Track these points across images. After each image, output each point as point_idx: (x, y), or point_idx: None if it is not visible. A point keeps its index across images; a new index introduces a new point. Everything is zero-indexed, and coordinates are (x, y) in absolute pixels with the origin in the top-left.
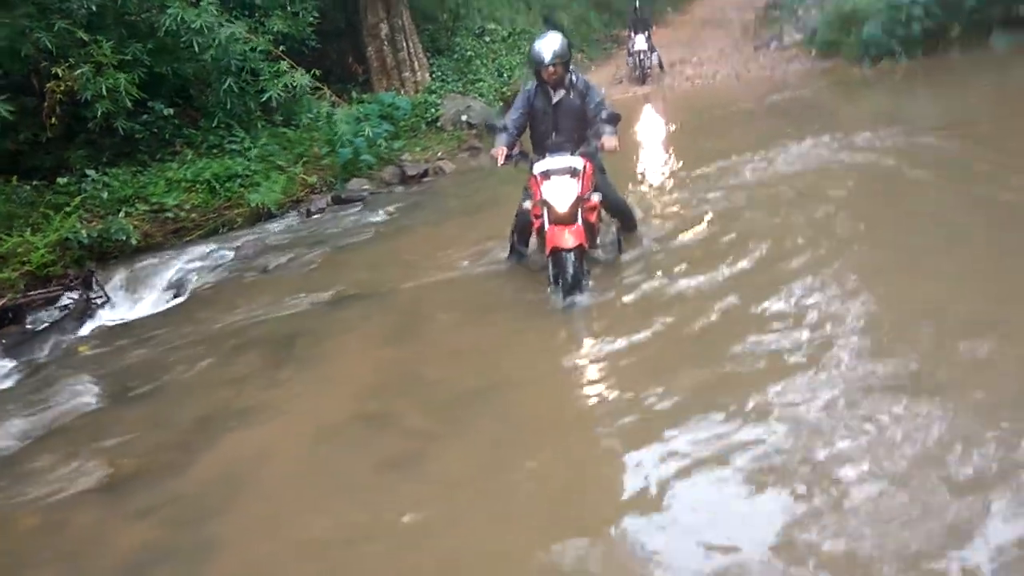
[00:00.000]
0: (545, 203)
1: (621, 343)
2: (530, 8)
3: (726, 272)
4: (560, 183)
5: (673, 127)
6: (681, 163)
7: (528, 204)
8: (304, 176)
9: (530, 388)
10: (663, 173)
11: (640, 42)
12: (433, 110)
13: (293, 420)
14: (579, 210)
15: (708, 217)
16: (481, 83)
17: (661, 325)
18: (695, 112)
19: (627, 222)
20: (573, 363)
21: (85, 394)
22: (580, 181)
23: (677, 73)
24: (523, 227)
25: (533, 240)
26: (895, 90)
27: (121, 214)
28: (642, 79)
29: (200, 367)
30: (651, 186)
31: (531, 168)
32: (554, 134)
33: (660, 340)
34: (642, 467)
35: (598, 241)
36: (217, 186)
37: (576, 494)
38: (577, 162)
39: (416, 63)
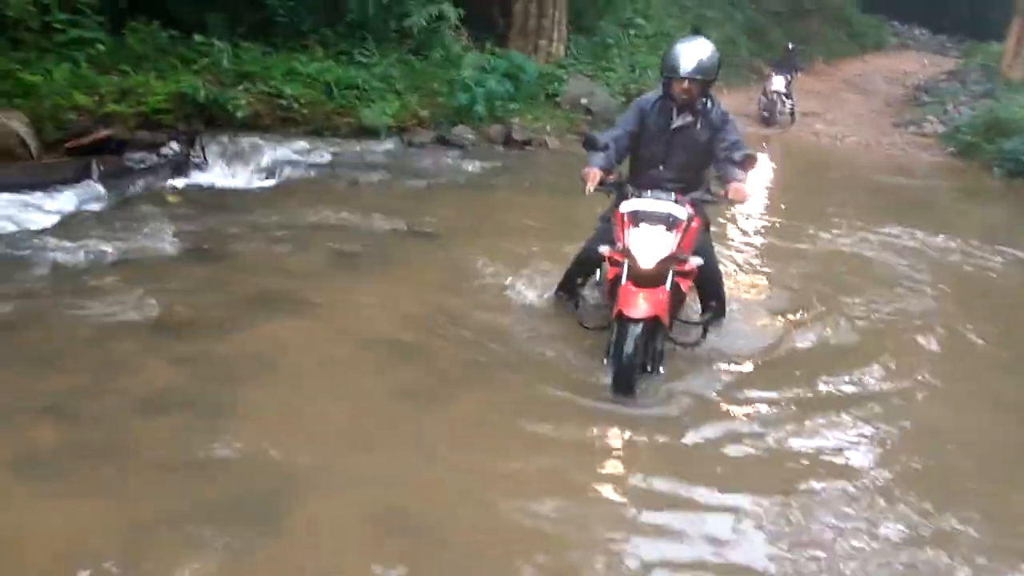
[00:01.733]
0: (628, 253)
1: (663, 489)
2: (683, 13)
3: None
4: (651, 233)
5: (783, 180)
6: (783, 224)
7: (604, 249)
8: (417, 108)
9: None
10: (760, 235)
11: (779, 84)
12: (557, 84)
13: (335, 324)
14: (669, 272)
15: (813, 309)
16: (612, 73)
17: (737, 480)
18: (810, 169)
19: (717, 303)
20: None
21: (162, 239)
22: (679, 236)
23: (806, 125)
24: (584, 268)
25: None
26: (1018, 211)
27: (240, 87)
28: (769, 122)
29: (270, 249)
30: (743, 251)
31: (618, 202)
32: (662, 166)
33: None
34: None
35: (680, 317)
36: (335, 91)
37: None
38: (680, 211)
39: (556, 34)
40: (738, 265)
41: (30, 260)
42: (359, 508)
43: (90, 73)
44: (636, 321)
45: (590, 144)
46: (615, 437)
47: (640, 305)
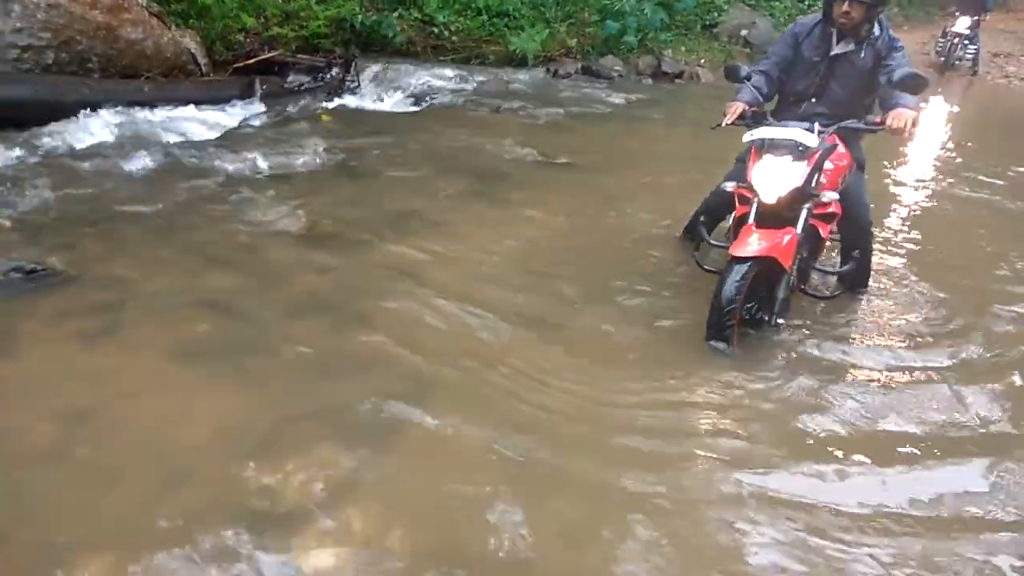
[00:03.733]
0: (751, 187)
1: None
2: None
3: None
4: (777, 164)
5: (961, 130)
6: (952, 181)
7: (730, 185)
8: (566, 37)
9: None
10: (926, 191)
11: (962, 24)
12: (716, 14)
13: (469, 246)
14: (803, 211)
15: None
16: (777, 2)
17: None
18: (997, 117)
19: (861, 256)
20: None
21: (314, 156)
22: (809, 167)
23: (996, 66)
24: (715, 208)
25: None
26: None
27: (395, 14)
28: (945, 67)
29: (413, 170)
30: (904, 215)
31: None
32: (815, 99)
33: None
34: None
35: (819, 264)
36: (486, 18)
37: None
38: (809, 138)
39: None
40: (893, 227)
41: (196, 168)
42: (479, 425)
43: None
44: (742, 260)
45: (732, 75)
46: (685, 390)
47: (750, 244)
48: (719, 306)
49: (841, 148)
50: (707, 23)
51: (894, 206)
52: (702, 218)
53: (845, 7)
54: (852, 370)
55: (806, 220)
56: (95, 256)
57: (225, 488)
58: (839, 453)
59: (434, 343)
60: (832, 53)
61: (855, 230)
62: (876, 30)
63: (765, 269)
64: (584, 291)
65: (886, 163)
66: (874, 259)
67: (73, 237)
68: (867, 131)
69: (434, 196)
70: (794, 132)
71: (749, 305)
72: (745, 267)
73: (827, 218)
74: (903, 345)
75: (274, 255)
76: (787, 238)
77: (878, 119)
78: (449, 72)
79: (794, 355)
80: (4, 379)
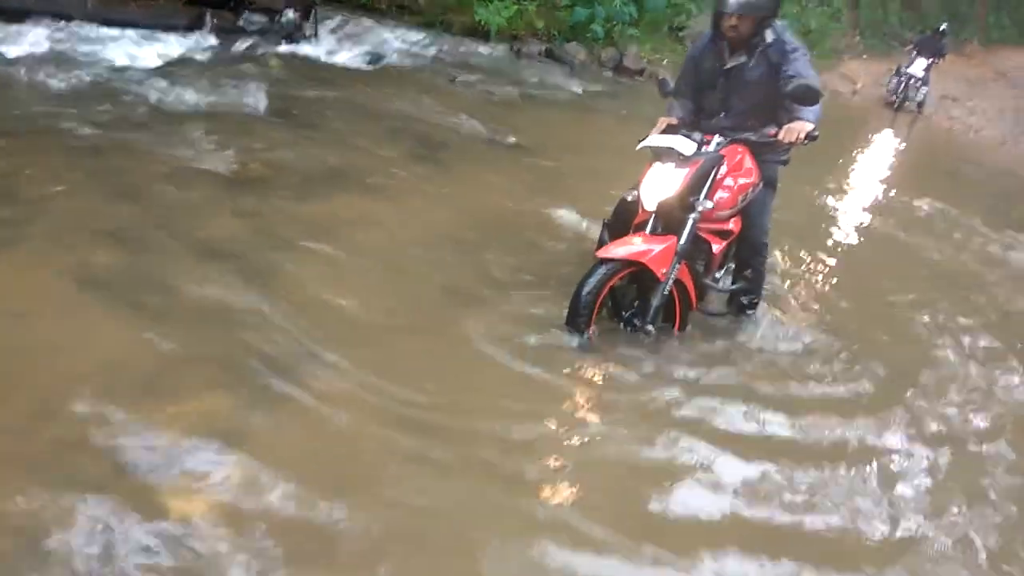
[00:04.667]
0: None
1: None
2: None
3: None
4: (661, 172)
5: (899, 160)
6: (879, 206)
7: (631, 194)
8: (533, 17)
9: None
10: (851, 215)
11: (918, 67)
12: (684, 18)
13: (399, 211)
14: (688, 221)
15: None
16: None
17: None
18: (932, 154)
19: (752, 278)
20: None
21: (256, 99)
22: (694, 174)
23: (941, 108)
24: (620, 216)
25: None
26: None
27: None
28: (895, 106)
29: (356, 128)
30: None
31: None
32: (724, 114)
33: None
34: None
35: (715, 280)
36: None
37: None
38: (687, 147)
39: None
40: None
41: (130, 94)
42: (361, 396)
43: None
44: (606, 261)
45: (660, 88)
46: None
47: (619, 248)
48: (576, 300)
49: (748, 163)
50: (675, 26)
51: (808, 231)
52: (606, 230)
53: (732, 21)
54: (701, 392)
55: (691, 231)
56: (6, 168)
57: (99, 424)
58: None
59: (332, 310)
60: (726, 67)
61: (749, 249)
62: (769, 37)
63: (640, 275)
64: (494, 274)
65: (815, 188)
66: (780, 284)
67: None
68: (762, 144)
69: (372, 156)
70: (673, 140)
71: (632, 308)
72: (605, 268)
73: (723, 234)
74: (757, 373)
75: (194, 193)
76: (662, 246)
77: (771, 131)
78: (411, 35)
79: (647, 368)
80: None
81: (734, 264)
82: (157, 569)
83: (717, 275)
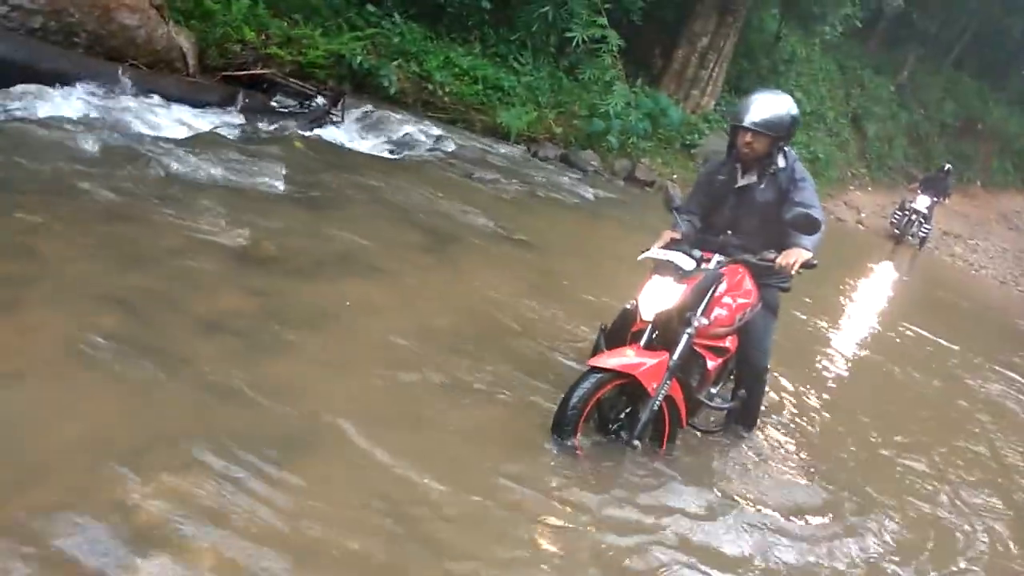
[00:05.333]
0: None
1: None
2: (847, 101)
3: None
4: (660, 285)
5: (900, 293)
6: (876, 336)
7: (631, 303)
8: (552, 123)
9: None
10: (847, 342)
11: (922, 203)
12: (696, 136)
13: (405, 300)
14: (684, 336)
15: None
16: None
17: None
18: (933, 289)
19: (748, 399)
20: None
21: (277, 179)
22: (692, 290)
23: (943, 244)
24: (619, 324)
25: None
26: None
27: (395, 63)
28: (897, 239)
29: (369, 215)
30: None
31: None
32: (731, 231)
33: None
34: None
35: (709, 396)
36: (481, 88)
37: None
38: (687, 263)
39: (710, 88)
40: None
41: (154, 163)
42: (362, 481)
43: (264, 13)
44: (597, 371)
45: (666, 203)
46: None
47: (610, 357)
48: (564, 407)
49: (747, 284)
50: (687, 142)
51: (800, 359)
52: (602, 328)
53: (748, 138)
54: (672, 512)
55: (686, 346)
56: (21, 227)
57: (80, 494)
58: None
59: (335, 392)
60: (737, 185)
61: (748, 371)
62: (781, 162)
63: (630, 387)
64: (488, 372)
65: (811, 314)
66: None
67: (5, 202)
68: (760, 266)
69: (382, 243)
70: (673, 255)
71: (619, 418)
72: (595, 377)
73: (718, 351)
74: (740, 522)
75: (204, 266)
76: (655, 361)
77: (770, 256)
78: (433, 129)
79: (632, 479)
80: None
81: (734, 384)
82: None
83: (713, 391)
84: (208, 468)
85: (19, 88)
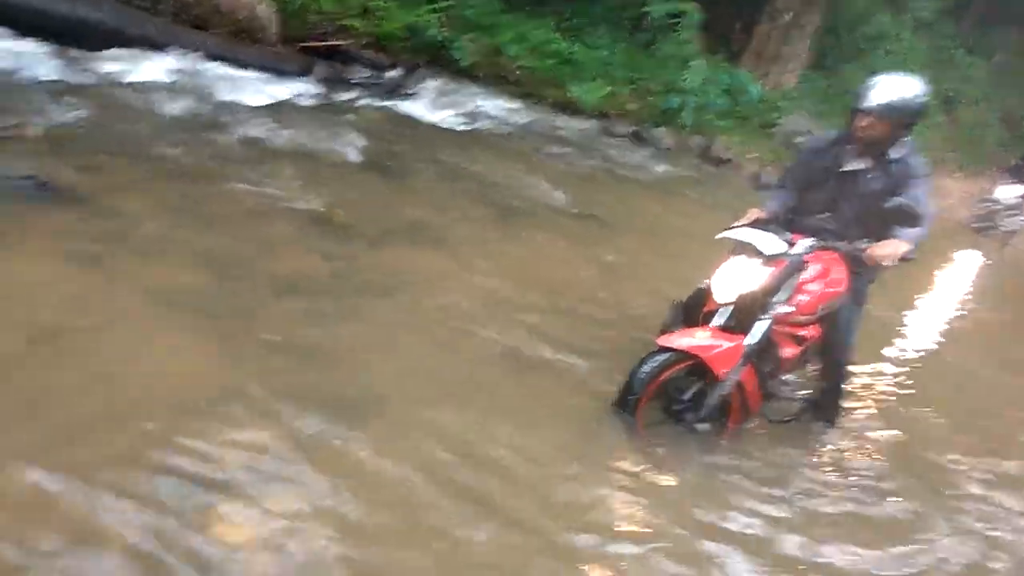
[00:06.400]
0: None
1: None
2: (939, 80)
3: None
4: (739, 266)
5: (983, 293)
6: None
7: (705, 281)
8: (627, 99)
9: None
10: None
11: (1011, 192)
12: (776, 114)
13: (471, 272)
14: (761, 322)
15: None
16: (838, 119)
17: None
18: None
19: (827, 395)
20: None
21: (351, 148)
22: (776, 275)
23: None
24: (693, 302)
25: None
26: None
27: (470, 36)
28: (980, 231)
29: (439, 186)
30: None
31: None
32: (829, 214)
33: None
34: None
35: (782, 386)
36: (554, 62)
37: None
38: (771, 247)
39: (792, 64)
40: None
41: (233, 129)
42: (418, 450)
43: None
44: (664, 350)
45: (756, 181)
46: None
47: (680, 338)
48: (628, 384)
49: (838, 272)
50: (765, 121)
51: (886, 349)
52: (674, 311)
53: (867, 121)
54: (728, 506)
55: (765, 334)
56: (109, 185)
57: (155, 439)
58: None
59: (396, 358)
60: (842, 169)
61: (830, 364)
62: (898, 152)
63: (700, 369)
64: (550, 344)
65: (890, 304)
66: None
67: (95, 161)
68: (851, 255)
69: (451, 215)
70: (756, 236)
71: (685, 400)
72: (663, 356)
73: (796, 340)
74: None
75: (279, 229)
76: (728, 345)
77: (863, 245)
78: (505, 103)
79: (691, 464)
80: None
81: (815, 374)
82: None
83: (789, 379)
84: (279, 422)
85: (111, 52)
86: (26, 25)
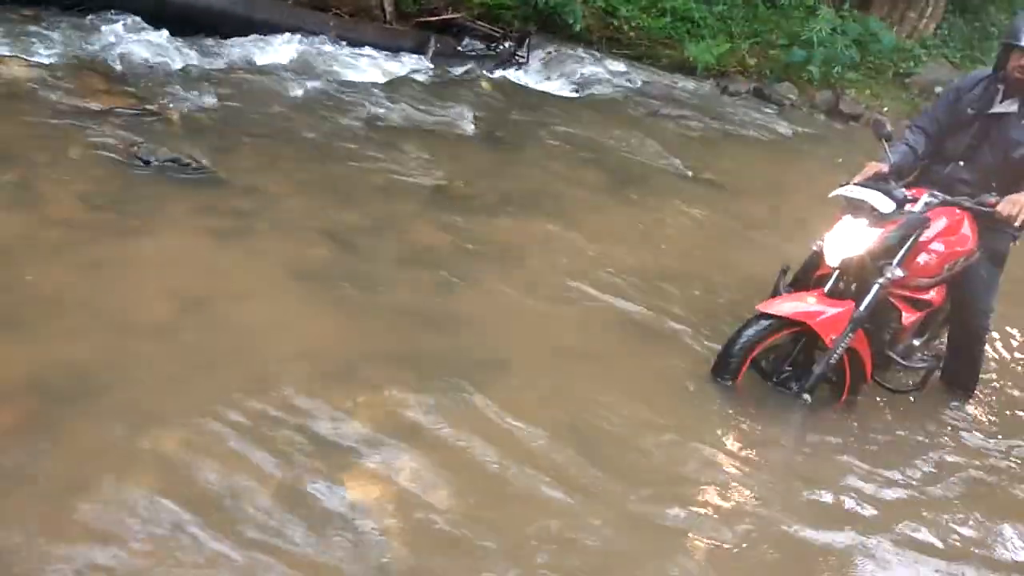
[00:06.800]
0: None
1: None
2: None
3: None
4: (851, 227)
5: None
6: None
7: (817, 243)
8: (745, 55)
9: None
10: None
11: None
12: (913, 64)
13: (589, 242)
14: (874, 286)
15: None
16: (983, 66)
17: None
18: None
19: (959, 370)
20: None
21: (465, 121)
22: (887, 236)
23: None
24: (806, 265)
25: None
26: None
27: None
28: None
29: (554, 154)
30: None
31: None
32: (963, 162)
33: None
34: None
35: (905, 352)
36: (668, 20)
37: None
38: (885, 204)
39: (930, 8)
40: None
41: (356, 107)
42: (545, 407)
43: None
44: (766, 316)
45: (875, 130)
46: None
47: (783, 304)
48: (727, 349)
49: (965, 228)
50: (901, 71)
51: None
52: (783, 269)
53: (1022, 59)
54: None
55: (874, 299)
56: (245, 165)
57: (295, 403)
58: None
59: (519, 324)
60: (990, 111)
61: (961, 331)
62: None
63: (807, 336)
64: (663, 312)
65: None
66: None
67: (230, 142)
68: (976, 211)
69: (567, 183)
70: (870, 195)
71: (789, 370)
72: (764, 323)
73: (918, 304)
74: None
75: (401, 204)
76: (836, 311)
77: (991, 199)
78: (618, 66)
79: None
80: (138, 255)
81: (944, 341)
82: (324, 535)
83: (915, 344)
84: (408, 386)
85: (240, 39)
86: (172, 19)
